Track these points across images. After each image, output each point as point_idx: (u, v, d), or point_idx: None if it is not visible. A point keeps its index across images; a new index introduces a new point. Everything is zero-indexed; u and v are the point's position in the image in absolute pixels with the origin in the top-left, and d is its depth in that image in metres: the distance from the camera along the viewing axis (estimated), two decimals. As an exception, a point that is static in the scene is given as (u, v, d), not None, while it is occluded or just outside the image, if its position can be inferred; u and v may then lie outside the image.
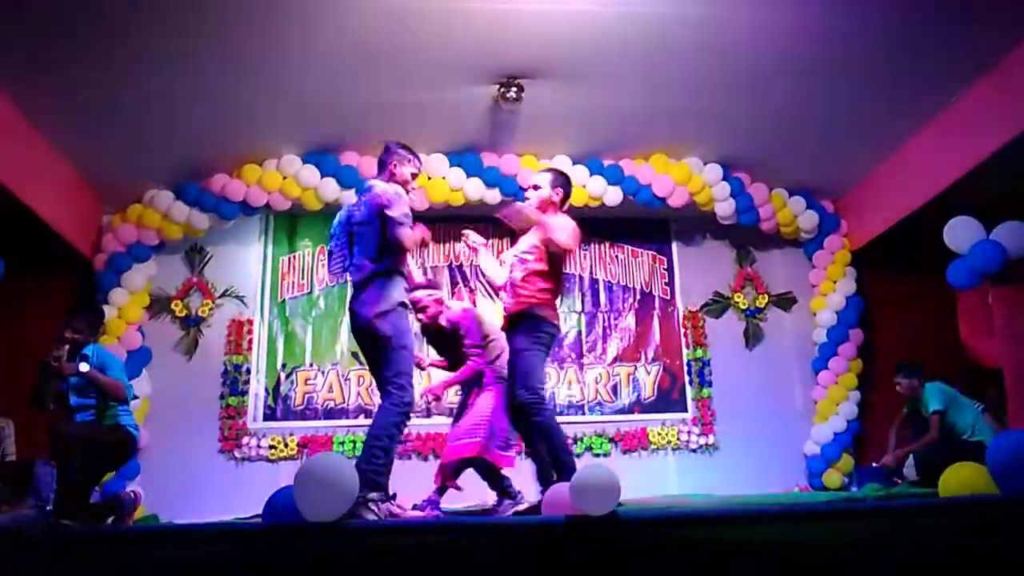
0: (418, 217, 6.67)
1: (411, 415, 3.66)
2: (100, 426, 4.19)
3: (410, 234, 3.58)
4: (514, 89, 5.33)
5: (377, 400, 6.55)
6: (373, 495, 3.31)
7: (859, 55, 5.04)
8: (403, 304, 3.63)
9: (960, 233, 4.80)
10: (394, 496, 3.64)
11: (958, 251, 4.85)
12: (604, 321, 7.13)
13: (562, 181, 4.03)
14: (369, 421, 6.44)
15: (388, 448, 3.47)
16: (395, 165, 3.78)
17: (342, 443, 6.43)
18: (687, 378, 7.03)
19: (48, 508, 5.28)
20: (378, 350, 3.59)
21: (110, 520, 4.44)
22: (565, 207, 4.04)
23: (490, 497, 4.52)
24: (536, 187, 4.00)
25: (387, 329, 3.52)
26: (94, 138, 5.71)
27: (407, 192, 3.78)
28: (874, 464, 5.76)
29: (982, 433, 5.32)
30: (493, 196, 6.36)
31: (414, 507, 4.28)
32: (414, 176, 3.86)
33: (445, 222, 7.02)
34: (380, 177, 3.81)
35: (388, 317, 3.54)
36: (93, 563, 2.30)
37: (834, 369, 6.81)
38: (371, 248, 3.61)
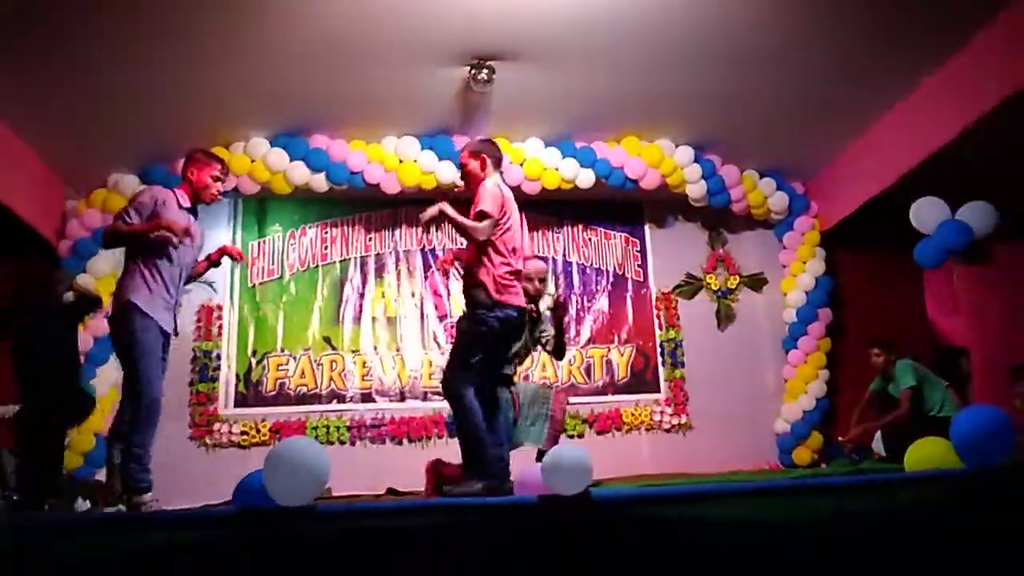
0: (389, 201, 6.73)
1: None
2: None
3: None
4: (485, 71, 5.29)
5: (350, 384, 6.57)
6: None
7: (827, 38, 5.07)
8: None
9: (926, 213, 4.87)
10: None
11: (924, 231, 4.92)
12: (577, 303, 7.14)
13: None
14: (342, 406, 6.50)
15: None
16: (191, 172, 3.81)
17: (315, 428, 6.39)
18: (660, 359, 7.08)
19: (14, 497, 5.21)
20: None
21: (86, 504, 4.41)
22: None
23: None
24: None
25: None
26: (56, 123, 5.56)
27: (210, 197, 3.83)
28: (839, 439, 5.84)
29: (950, 409, 5.42)
30: (465, 179, 6.33)
31: None
32: (216, 179, 3.85)
33: (417, 205, 7.00)
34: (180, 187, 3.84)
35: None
36: (63, 552, 2.27)
37: (803, 348, 6.90)
38: None
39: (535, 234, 7.23)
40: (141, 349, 3.50)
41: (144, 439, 3.48)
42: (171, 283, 3.66)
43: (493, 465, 3.66)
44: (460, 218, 3.62)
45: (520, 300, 3.75)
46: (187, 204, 3.78)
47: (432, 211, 3.60)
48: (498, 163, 3.90)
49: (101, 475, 5.87)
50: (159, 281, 3.60)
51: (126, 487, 3.43)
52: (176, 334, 3.78)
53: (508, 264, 3.69)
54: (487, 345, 3.69)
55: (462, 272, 3.91)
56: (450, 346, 6.71)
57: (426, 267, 7.02)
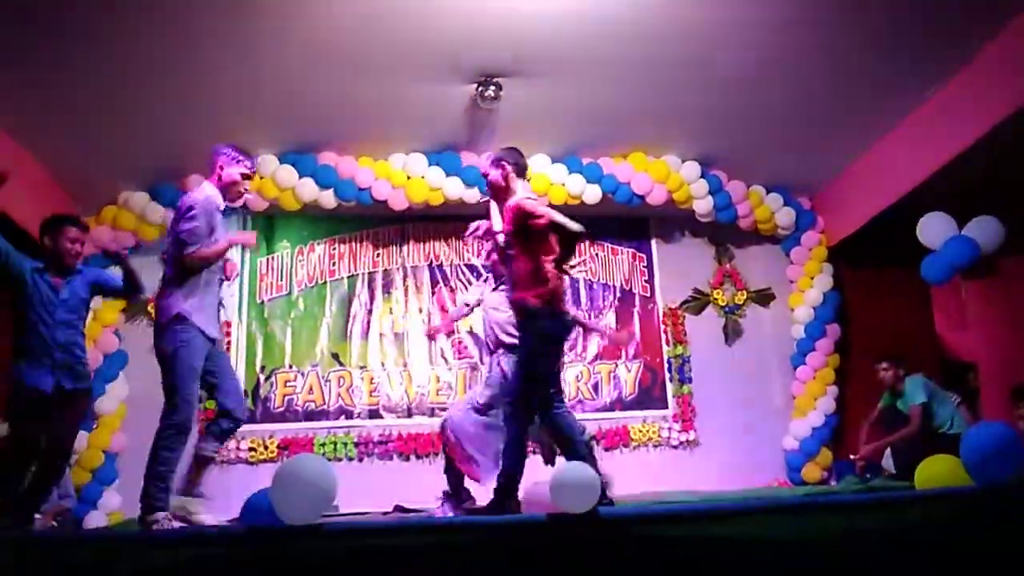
0: (397, 218, 6.76)
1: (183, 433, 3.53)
2: None
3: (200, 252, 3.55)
4: (492, 88, 5.32)
5: (357, 400, 6.57)
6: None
7: (834, 53, 5.08)
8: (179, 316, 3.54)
9: (933, 228, 4.86)
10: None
11: (931, 246, 4.91)
12: (585, 319, 7.13)
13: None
14: (350, 423, 6.50)
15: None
16: (220, 167, 3.75)
17: (323, 444, 6.39)
18: (667, 375, 7.06)
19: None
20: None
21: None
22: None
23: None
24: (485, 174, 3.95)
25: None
26: (65, 140, 5.60)
27: (236, 195, 3.78)
28: (852, 457, 5.81)
29: (960, 426, 5.38)
30: (472, 195, 6.35)
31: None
32: (245, 177, 3.81)
33: (424, 221, 7.03)
34: (209, 179, 3.79)
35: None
36: (70, 568, 2.28)
37: (812, 364, 6.87)
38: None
39: (542, 250, 7.23)
40: (184, 364, 3.48)
41: (172, 457, 3.45)
42: (214, 290, 3.69)
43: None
44: (558, 217, 3.60)
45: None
46: (222, 206, 3.74)
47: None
48: (522, 171, 3.90)
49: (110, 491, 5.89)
50: (206, 290, 3.60)
51: (144, 505, 3.39)
52: (219, 339, 3.78)
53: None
54: (546, 353, 3.66)
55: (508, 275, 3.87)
56: (457, 362, 6.78)
57: (433, 283, 7.04)
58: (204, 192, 3.70)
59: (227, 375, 3.83)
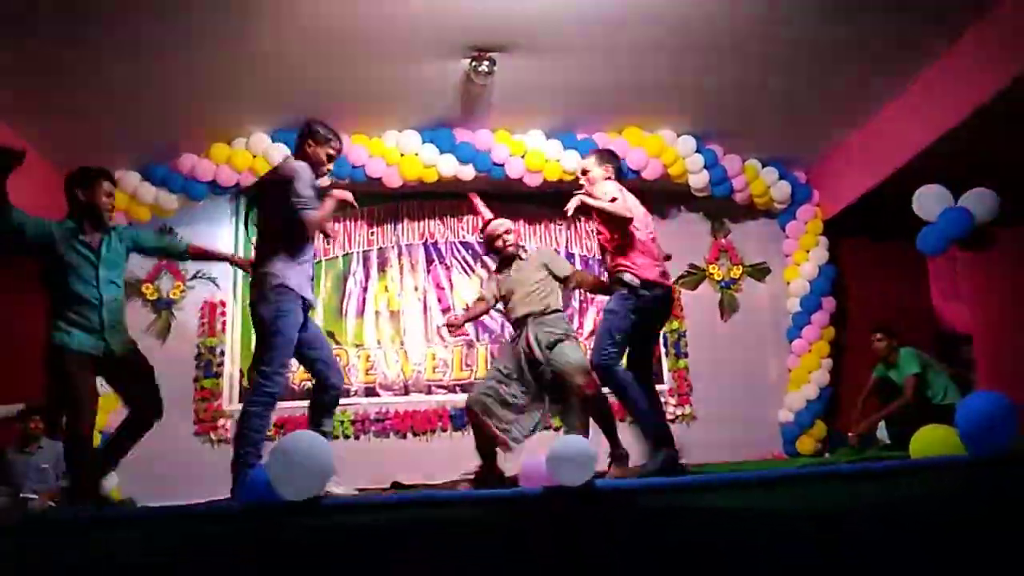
0: (392, 195, 6.73)
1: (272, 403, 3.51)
2: None
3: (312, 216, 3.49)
4: (486, 63, 5.28)
5: (354, 378, 6.57)
6: None
7: (829, 26, 5.03)
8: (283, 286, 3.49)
9: (929, 200, 4.84)
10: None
11: (927, 218, 4.90)
12: (580, 295, 7.14)
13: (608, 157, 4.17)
14: (346, 401, 6.50)
15: None
16: (309, 145, 3.65)
17: (320, 423, 6.40)
18: (663, 349, 7.07)
19: (22, 495, 5.24)
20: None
21: None
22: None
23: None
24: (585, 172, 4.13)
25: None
26: (57, 119, 5.56)
27: (320, 174, 3.67)
28: (850, 434, 5.84)
29: (953, 397, 5.42)
30: (467, 172, 6.32)
31: None
32: (330, 158, 3.72)
33: (418, 199, 6.99)
34: (295, 155, 3.70)
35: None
36: (69, 547, 2.28)
37: (807, 337, 6.89)
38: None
39: (537, 227, 7.22)
40: (283, 335, 3.44)
41: (264, 425, 3.46)
42: (310, 255, 3.64)
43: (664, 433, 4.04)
44: (601, 203, 3.83)
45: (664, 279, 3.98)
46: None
47: (575, 202, 3.84)
48: (619, 173, 4.14)
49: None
50: (304, 256, 3.56)
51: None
52: (314, 303, 3.76)
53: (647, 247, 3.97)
54: (636, 324, 3.85)
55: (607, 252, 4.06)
56: (453, 339, 6.77)
57: (428, 260, 7.02)
58: (300, 163, 3.59)
59: (324, 346, 3.80)
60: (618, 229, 3.93)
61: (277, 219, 3.54)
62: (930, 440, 3.12)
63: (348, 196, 3.64)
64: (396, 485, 5.60)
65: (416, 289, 6.96)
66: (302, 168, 3.53)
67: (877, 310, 6.68)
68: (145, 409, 3.79)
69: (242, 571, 2.22)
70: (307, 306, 3.60)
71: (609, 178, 4.03)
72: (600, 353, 3.83)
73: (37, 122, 5.58)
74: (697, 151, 6.60)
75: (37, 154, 5.97)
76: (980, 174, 4.75)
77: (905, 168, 5.90)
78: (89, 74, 5.11)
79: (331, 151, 3.69)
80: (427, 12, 4.79)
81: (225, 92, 5.59)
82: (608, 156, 4.19)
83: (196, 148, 6.13)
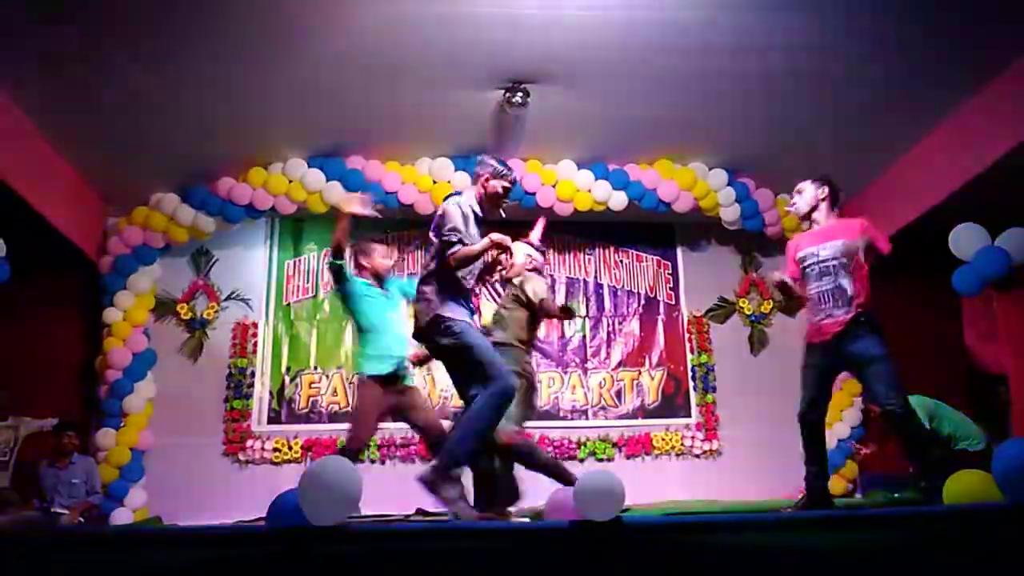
0: (425, 222, 6.74)
1: None
2: None
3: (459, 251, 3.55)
4: (520, 94, 5.34)
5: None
6: None
7: (866, 61, 5.04)
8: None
9: (965, 239, 4.79)
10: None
11: (963, 257, 4.84)
12: (608, 326, 7.13)
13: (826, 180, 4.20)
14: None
15: None
16: (486, 179, 3.74)
17: (346, 446, 6.43)
18: (691, 383, 7.02)
19: (52, 510, 5.30)
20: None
21: None
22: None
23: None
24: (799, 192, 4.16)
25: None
26: (97, 141, 5.72)
27: (495, 207, 3.78)
28: (858, 447, 5.72)
29: (965, 443, 5.22)
30: (498, 200, 6.37)
31: None
32: (506, 191, 3.78)
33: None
34: (472, 186, 3.84)
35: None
36: (96, 564, 2.31)
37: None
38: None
39: (567, 256, 7.24)
40: (477, 344, 3.53)
41: (495, 423, 3.54)
42: (469, 287, 3.72)
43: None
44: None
45: None
46: (480, 214, 3.71)
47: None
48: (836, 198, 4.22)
49: (136, 488, 5.95)
50: (461, 287, 3.64)
51: (451, 459, 3.63)
52: None
53: None
54: None
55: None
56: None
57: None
58: (463, 198, 3.72)
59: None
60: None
61: (433, 250, 3.75)
62: (964, 485, 3.06)
63: (506, 241, 3.60)
64: (420, 512, 5.59)
65: (445, 315, 6.97)
66: (454, 206, 3.62)
67: (910, 348, 6.56)
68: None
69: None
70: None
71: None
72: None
73: (76, 143, 5.75)
74: (729, 184, 6.59)
75: (77, 176, 6.14)
76: (1018, 214, 4.70)
77: (940, 205, 5.84)
78: (128, 98, 5.24)
79: (506, 184, 3.77)
80: (465, 43, 4.86)
81: (263, 117, 5.71)
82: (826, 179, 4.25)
83: (234, 172, 6.25)
